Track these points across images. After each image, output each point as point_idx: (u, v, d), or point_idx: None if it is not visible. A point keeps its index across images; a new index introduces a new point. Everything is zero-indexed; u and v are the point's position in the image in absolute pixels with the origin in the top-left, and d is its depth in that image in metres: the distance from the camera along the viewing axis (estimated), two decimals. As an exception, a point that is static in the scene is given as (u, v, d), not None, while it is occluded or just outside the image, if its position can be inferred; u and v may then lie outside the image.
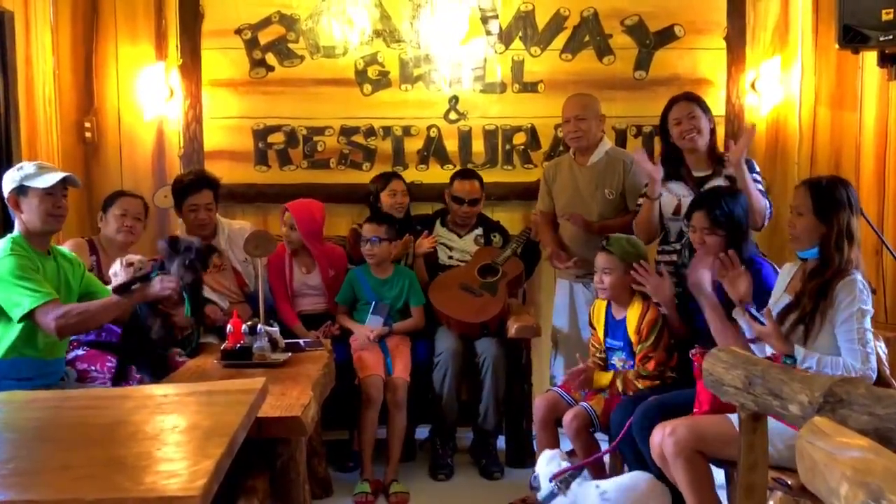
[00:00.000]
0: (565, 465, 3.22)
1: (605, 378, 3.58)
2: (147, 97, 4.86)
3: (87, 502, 1.61)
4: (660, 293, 3.55)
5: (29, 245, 3.21)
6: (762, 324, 2.99)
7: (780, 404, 2.14)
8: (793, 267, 3.15)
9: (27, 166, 3.27)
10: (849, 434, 1.63)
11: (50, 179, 3.21)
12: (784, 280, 3.16)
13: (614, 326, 3.68)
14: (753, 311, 3.06)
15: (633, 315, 3.60)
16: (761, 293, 3.21)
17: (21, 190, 3.21)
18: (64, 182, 3.26)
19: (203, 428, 2.09)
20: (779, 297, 3.11)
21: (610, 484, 3.17)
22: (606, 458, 3.56)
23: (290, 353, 3.68)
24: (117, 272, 3.53)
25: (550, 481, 3.18)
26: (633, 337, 3.57)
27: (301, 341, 3.94)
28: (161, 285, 3.24)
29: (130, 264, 3.53)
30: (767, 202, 3.72)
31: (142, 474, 1.76)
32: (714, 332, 3.26)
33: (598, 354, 3.75)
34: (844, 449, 1.53)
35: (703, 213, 3.41)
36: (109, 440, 2.03)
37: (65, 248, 3.61)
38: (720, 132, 4.70)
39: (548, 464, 3.25)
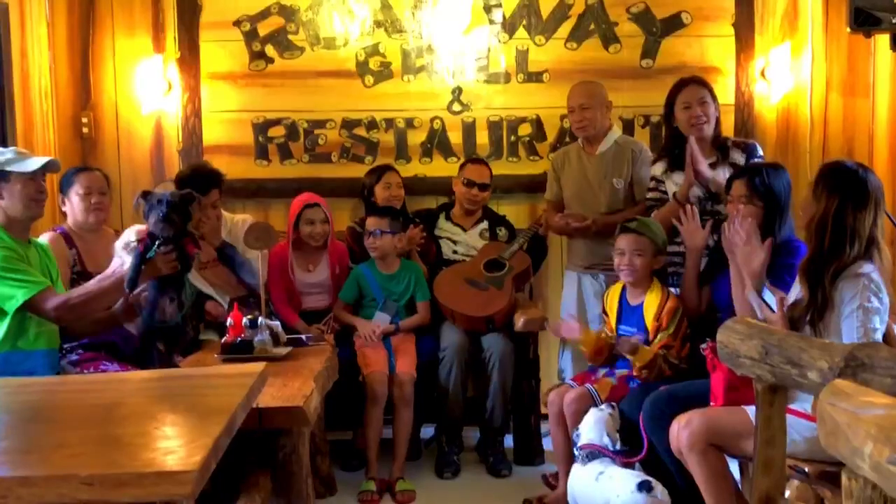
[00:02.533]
0: (607, 440, 3.22)
1: (647, 352, 3.46)
2: (145, 91, 4.79)
3: (82, 478, 1.58)
4: (694, 238, 3.53)
5: (9, 235, 3.14)
6: (772, 310, 2.92)
7: (799, 372, 2.11)
8: None
9: (6, 152, 3.21)
10: (872, 393, 1.63)
11: (33, 164, 3.15)
12: None
13: (629, 312, 3.62)
14: (765, 295, 2.99)
15: (651, 301, 3.53)
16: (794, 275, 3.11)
17: (1, 175, 3.13)
18: (44, 167, 3.20)
19: (201, 408, 2.07)
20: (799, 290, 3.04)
21: (616, 477, 3.11)
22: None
23: (291, 347, 3.61)
24: (130, 241, 3.30)
25: (580, 450, 3.25)
26: (650, 324, 3.50)
27: (303, 336, 3.88)
28: (163, 263, 3.12)
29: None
30: None
31: (139, 451, 1.74)
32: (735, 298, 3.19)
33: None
34: (868, 408, 1.52)
35: (742, 181, 3.32)
36: (106, 420, 2.01)
37: (43, 241, 3.51)
38: (730, 121, 4.67)
39: (593, 425, 3.26)
